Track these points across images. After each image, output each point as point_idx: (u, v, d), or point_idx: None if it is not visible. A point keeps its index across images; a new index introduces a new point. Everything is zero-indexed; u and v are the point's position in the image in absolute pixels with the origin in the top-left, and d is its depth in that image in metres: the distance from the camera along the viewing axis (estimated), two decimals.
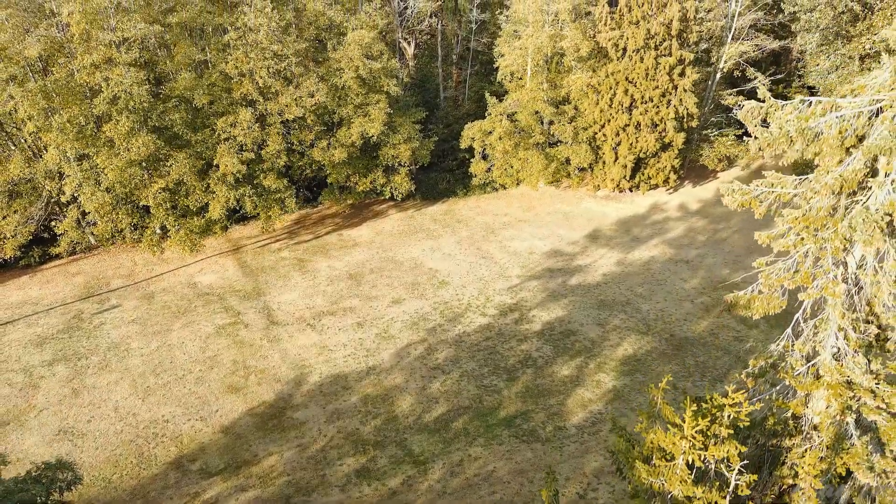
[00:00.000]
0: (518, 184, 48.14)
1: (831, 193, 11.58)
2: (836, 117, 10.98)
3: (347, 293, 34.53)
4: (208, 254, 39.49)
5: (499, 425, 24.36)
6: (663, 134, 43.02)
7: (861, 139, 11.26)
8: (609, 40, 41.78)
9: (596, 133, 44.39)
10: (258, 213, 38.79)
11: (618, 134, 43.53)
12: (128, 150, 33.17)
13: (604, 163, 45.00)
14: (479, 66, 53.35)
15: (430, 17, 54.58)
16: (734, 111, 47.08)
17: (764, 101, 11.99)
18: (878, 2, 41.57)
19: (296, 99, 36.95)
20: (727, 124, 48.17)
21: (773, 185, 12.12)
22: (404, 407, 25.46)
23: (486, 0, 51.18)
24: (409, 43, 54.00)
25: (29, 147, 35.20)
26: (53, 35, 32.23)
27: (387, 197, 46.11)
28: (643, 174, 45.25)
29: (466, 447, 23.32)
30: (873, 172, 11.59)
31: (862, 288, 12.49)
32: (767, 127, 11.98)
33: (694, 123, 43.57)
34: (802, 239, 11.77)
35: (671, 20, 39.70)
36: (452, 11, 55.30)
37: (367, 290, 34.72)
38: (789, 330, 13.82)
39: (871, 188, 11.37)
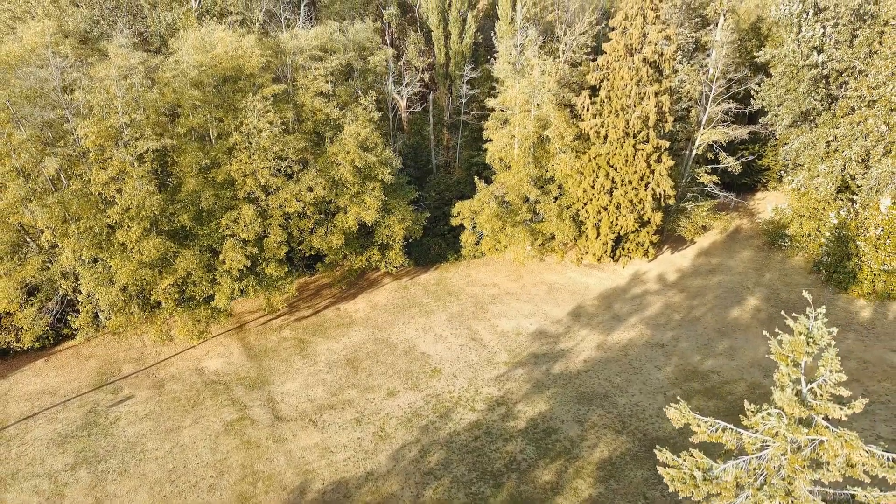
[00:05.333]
0: (505, 249, 50.69)
1: None
2: (732, 465, 13.64)
3: (346, 383, 37.07)
4: (214, 333, 41.88)
5: None
6: (642, 213, 45.71)
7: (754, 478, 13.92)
8: (591, 128, 44.38)
9: (579, 210, 47.01)
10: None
11: (599, 213, 46.17)
12: (140, 252, 35.48)
13: (586, 237, 47.66)
14: (469, 133, 55.77)
15: (422, 72, 56.92)
16: (709, 186, 49.89)
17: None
18: (841, 93, 44.32)
19: (296, 194, 39.33)
20: (703, 196, 50.92)
21: (697, 466, 14.74)
22: None
23: (475, 78, 53.51)
24: (402, 96, 56.30)
25: (47, 250, 37.38)
26: (69, 152, 34.40)
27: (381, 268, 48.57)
28: (623, 248, 47.95)
29: None
30: None
31: None
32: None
33: (671, 202, 46.26)
34: None
35: (648, 114, 42.29)
36: (443, 77, 57.60)
37: (364, 380, 37.27)
38: None
39: None
